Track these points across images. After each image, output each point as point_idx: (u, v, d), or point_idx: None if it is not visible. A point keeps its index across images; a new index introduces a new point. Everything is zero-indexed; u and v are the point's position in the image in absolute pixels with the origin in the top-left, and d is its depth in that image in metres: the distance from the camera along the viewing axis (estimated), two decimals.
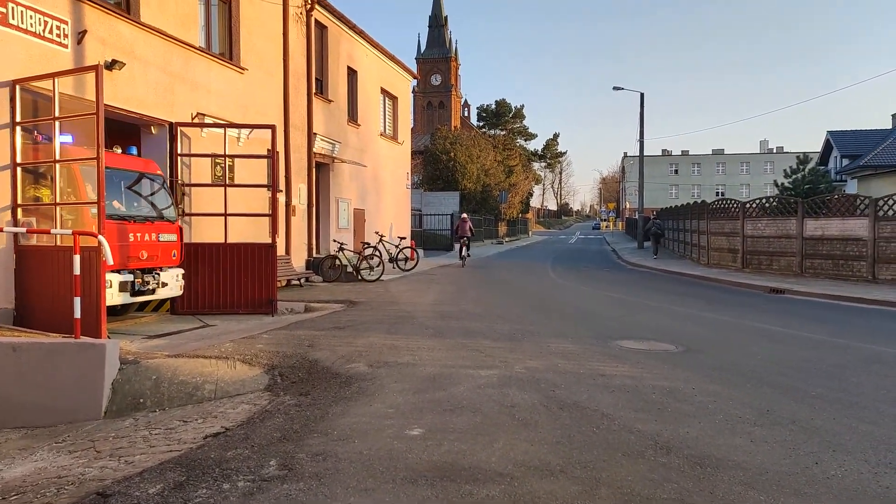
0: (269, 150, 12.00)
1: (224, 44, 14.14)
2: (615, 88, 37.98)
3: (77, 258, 6.65)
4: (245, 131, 13.70)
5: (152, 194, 10.63)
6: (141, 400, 6.23)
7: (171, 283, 10.69)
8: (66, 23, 9.61)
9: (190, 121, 12.23)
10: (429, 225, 38.64)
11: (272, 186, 12.15)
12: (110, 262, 7.08)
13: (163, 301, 11.20)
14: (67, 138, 9.40)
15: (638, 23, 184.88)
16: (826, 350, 8.81)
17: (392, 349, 8.15)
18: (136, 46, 11.02)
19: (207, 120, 12.69)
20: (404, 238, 23.09)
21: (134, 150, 10.66)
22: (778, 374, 7.28)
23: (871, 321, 11.83)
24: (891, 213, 17.70)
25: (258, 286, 11.21)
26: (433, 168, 46.66)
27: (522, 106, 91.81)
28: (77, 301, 6.62)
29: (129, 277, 9.92)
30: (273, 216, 11.56)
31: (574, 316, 11.75)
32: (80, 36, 9.85)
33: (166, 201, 10.70)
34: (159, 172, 10.79)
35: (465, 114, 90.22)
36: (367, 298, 13.51)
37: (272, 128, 11.54)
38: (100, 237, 7.10)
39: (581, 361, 7.65)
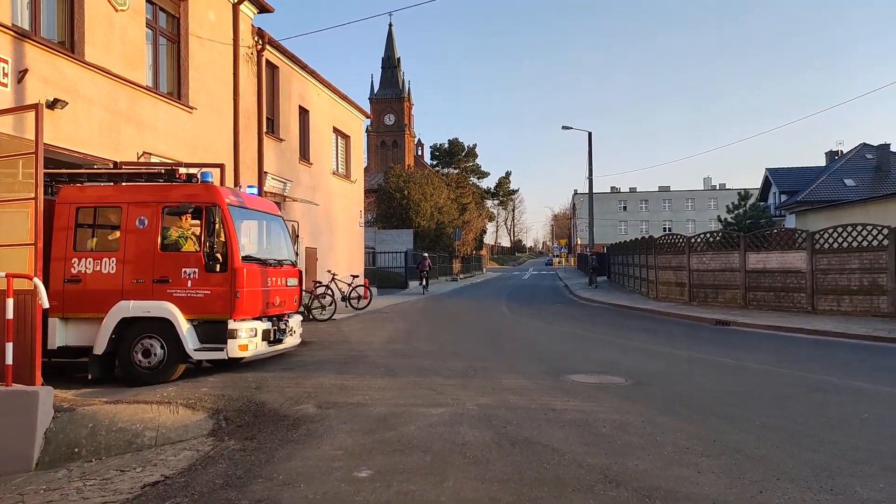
0: None
1: (172, 83, 14.02)
2: (564, 128, 38.90)
3: (10, 301, 6.39)
4: (193, 171, 13.49)
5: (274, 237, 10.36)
6: (76, 449, 5.96)
7: (297, 330, 10.38)
8: (6, 62, 9.40)
9: (136, 160, 12.01)
10: (383, 263, 38.47)
11: None
12: (46, 305, 6.81)
13: None
14: None
15: (587, 62, 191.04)
16: (770, 380, 9.04)
17: (342, 389, 8.02)
18: (80, 86, 10.84)
19: (154, 159, 12.48)
20: (357, 276, 22.92)
21: (255, 190, 9.99)
22: (724, 404, 7.42)
23: (811, 351, 12.21)
24: (826, 246, 18.44)
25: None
26: (387, 206, 46.75)
27: (475, 145, 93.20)
28: (9, 346, 6.33)
29: (269, 325, 9.62)
30: None
31: (526, 351, 11.79)
32: (21, 75, 9.64)
33: (289, 244, 10.35)
34: (280, 214, 10.45)
35: (419, 153, 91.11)
36: (318, 338, 13.30)
37: (221, 167, 11.39)
38: (35, 280, 6.85)
39: (533, 397, 7.65)
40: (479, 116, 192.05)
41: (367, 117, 28.37)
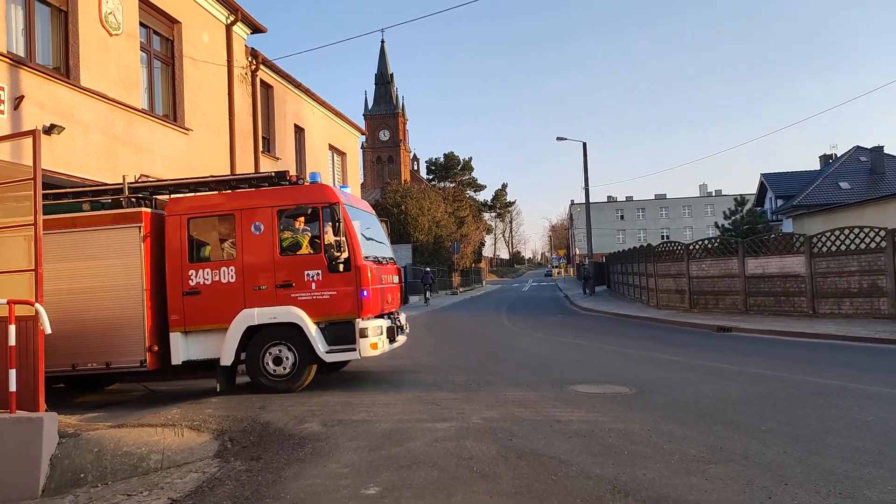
0: None
1: (168, 105, 14.10)
2: (559, 139, 39.12)
3: (12, 328, 6.38)
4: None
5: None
6: (82, 475, 5.92)
7: (406, 327, 10.36)
8: (2, 88, 9.47)
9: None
10: None
11: None
12: (48, 330, 6.79)
13: None
14: None
15: (582, 73, 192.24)
16: (773, 385, 9.03)
17: (347, 406, 8.00)
18: (76, 110, 10.89)
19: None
20: None
21: (348, 189, 9.98)
22: (729, 410, 7.41)
23: (813, 354, 12.21)
24: (825, 249, 18.49)
25: None
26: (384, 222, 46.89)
27: (470, 158, 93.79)
28: (12, 373, 6.31)
29: (389, 322, 9.63)
30: None
31: (529, 363, 11.77)
32: (17, 101, 9.70)
33: (387, 242, 10.39)
34: (373, 211, 10.48)
35: (415, 167, 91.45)
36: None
37: None
38: (37, 305, 6.84)
39: (537, 408, 7.64)
40: (473, 129, 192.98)
41: (363, 133, 28.49)
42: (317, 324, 8.93)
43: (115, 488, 5.64)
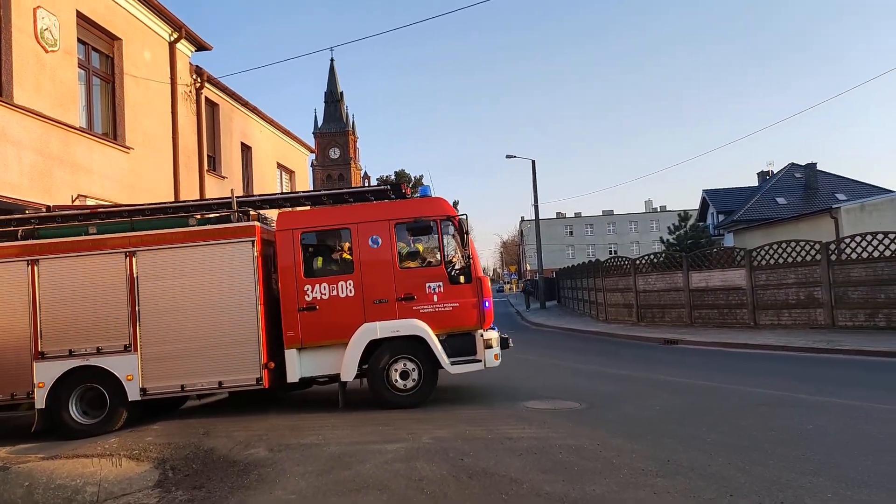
0: None
1: (108, 123, 13.70)
2: (508, 157, 39.60)
3: None
4: None
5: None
6: None
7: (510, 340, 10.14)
8: None
9: (71, 203, 11.61)
10: None
11: None
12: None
13: None
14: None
15: (531, 89, 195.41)
16: (718, 397, 9.23)
17: (294, 430, 7.81)
18: (9, 129, 10.48)
19: (89, 202, 12.11)
20: None
21: (429, 190, 9.70)
22: (676, 423, 7.52)
23: (755, 365, 12.55)
24: (764, 262, 19.11)
25: None
26: None
27: (422, 176, 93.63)
28: None
29: (501, 333, 9.47)
30: None
31: (479, 380, 11.73)
32: None
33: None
34: None
35: (365, 184, 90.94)
36: None
37: None
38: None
39: (489, 426, 7.61)
40: (424, 148, 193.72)
41: (312, 152, 28.22)
42: (438, 336, 8.95)
43: None
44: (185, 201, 9.55)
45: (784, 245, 18.80)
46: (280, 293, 9.00)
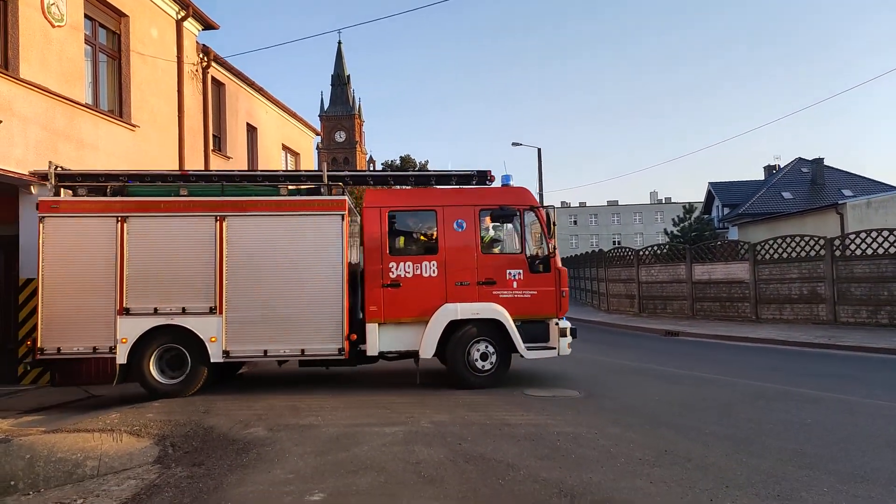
0: None
1: (114, 100, 13.65)
2: (514, 144, 39.45)
3: None
4: None
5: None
6: (12, 483, 5.65)
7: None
8: None
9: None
10: None
11: None
12: None
13: (45, 370, 10.35)
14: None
15: (538, 78, 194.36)
16: (717, 388, 9.24)
17: (294, 410, 7.85)
18: (15, 103, 10.45)
19: None
20: None
21: (510, 180, 9.93)
22: (674, 413, 7.54)
23: (755, 359, 12.56)
24: (767, 256, 19.06)
25: None
26: None
27: (427, 161, 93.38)
28: None
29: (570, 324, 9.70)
30: None
31: None
32: None
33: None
34: None
35: (370, 168, 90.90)
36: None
37: None
38: None
39: (488, 412, 7.64)
40: (430, 132, 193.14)
41: (317, 134, 28.16)
42: (514, 321, 9.24)
43: (47, 496, 5.40)
44: (274, 171, 9.59)
45: (788, 240, 18.74)
46: (365, 268, 9.28)
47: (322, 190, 9.48)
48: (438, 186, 10.03)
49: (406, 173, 10.08)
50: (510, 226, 9.77)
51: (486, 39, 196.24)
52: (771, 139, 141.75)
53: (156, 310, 8.80)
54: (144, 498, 5.00)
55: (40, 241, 8.80)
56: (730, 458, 5.66)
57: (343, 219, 9.09)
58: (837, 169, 42.20)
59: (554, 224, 9.36)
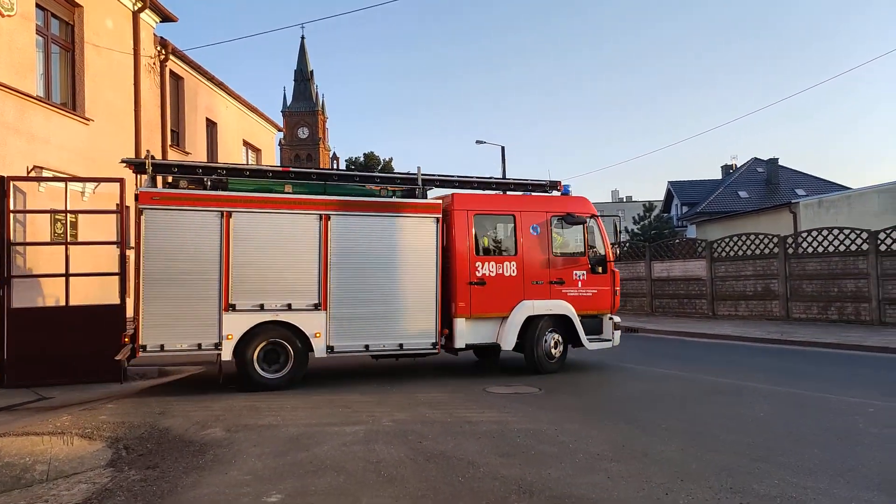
0: (117, 204, 11.25)
1: (67, 93, 13.27)
2: (478, 142, 39.50)
3: None
4: (90, 185, 12.80)
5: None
6: None
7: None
8: None
9: (26, 174, 11.24)
10: None
11: (121, 243, 11.36)
12: None
13: None
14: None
15: (502, 77, 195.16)
16: (674, 383, 9.42)
17: (253, 410, 7.74)
18: None
19: (46, 174, 11.74)
20: None
21: (570, 189, 11.15)
22: (633, 409, 7.66)
23: (712, 355, 12.84)
24: (724, 254, 19.49)
25: (105, 351, 10.29)
26: None
27: (391, 159, 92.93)
28: None
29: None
30: (122, 275, 10.76)
31: (441, 364, 11.78)
32: None
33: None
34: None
35: (334, 166, 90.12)
36: None
37: (121, 181, 10.84)
38: None
39: (449, 409, 7.65)
40: (395, 131, 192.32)
41: (279, 130, 27.84)
42: (578, 316, 10.39)
43: None
44: (370, 173, 9.82)
45: (744, 238, 19.19)
46: (455, 267, 9.85)
47: (416, 192, 10.00)
48: (511, 193, 10.88)
49: (490, 179, 10.92)
50: (573, 230, 10.82)
51: (450, 37, 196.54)
52: (728, 139, 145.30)
53: (262, 306, 8.89)
54: (96, 502, 4.87)
55: (140, 234, 8.47)
56: (685, 452, 5.77)
57: (438, 221, 9.74)
58: (791, 169, 43.37)
59: (620, 231, 10.39)
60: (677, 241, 25.37)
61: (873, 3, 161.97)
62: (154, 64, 16.19)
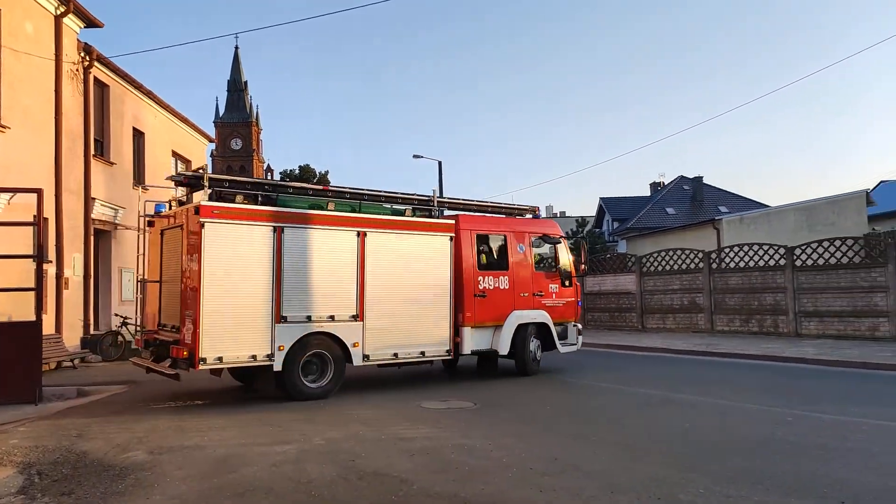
0: (35, 216, 10.70)
1: None
2: (415, 156, 39.56)
3: None
4: (5, 196, 12.14)
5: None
6: None
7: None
8: None
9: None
10: None
11: (37, 257, 10.79)
12: None
13: None
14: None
15: (436, 92, 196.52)
16: (605, 397, 9.61)
17: (178, 431, 7.44)
18: None
19: None
20: None
21: (542, 214, 13.15)
22: (566, 422, 7.77)
23: (642, 367, 13.19)
24: (652, 269, 20.10)
25: (18, 371, 9.73)
26: None
27: (327, 171, 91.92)
28: None
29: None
30: (38, 290, 10.22)
31: (375, 380, 11.66)
32: None
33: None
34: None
35: (268, 178, 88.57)
36: (153, 377, 12.31)
37: (38, 192, 10.32)
38: None
39: (382, 427, 7.56)
40: (331, 144, 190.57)
41: (211, 141, 27.12)
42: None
43: None
44: (393, 192, 10.87)
45: (671, 253, 19.85)
46: (463, 280, 10.87)
47: (433, 213, 10.99)
48: (496, 215, 12.26)
49: (497, 204, 12.52)
50: (547, 248, 12.33)
51: (389, 49, 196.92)
52: (657, 157, 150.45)
53: (308, 318, 9.31)
54: None
55: (202, 248, 8.48)
56: (616, 464, 5.87)
57: (452, 239, 10.85)
58: (715, 187, 45.25)
59: (587, 251, 12.26)
60: (609, 255, 26.01)
61: (797, 27, 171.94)
62: (77, 70, 15.56)
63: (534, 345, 11.70)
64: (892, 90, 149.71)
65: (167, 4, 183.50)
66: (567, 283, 12.26)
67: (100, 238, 17.00)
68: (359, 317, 9.72)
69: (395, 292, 10.12)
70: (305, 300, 9.28)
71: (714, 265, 18.75)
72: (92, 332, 15.75)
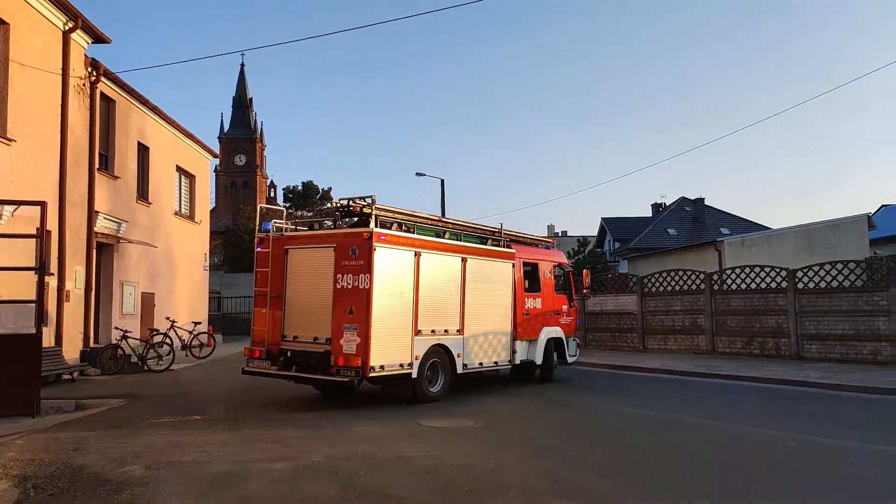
0: (38, 228, 10.72)
1: None
2: (418, 174, 39.64)
3: None
4: (9, 208, 12.18)
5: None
6: None
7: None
8: None
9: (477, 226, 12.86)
10: (230, 308, 36.61)
11: (39, 269, 10.79)
12: None
13: None
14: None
15: (440, 111, 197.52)
16: (607, 417, 9.54)
17: (177, 447, 7.39)
18: None
19: None
20: (200, 323, 21.56)
21: (552, 246, 15.44)
22: (567, 443, 7.71)
23: (643, 388, 13.11)
24: (654, 289, 20.06)
25: (17, 383, 9.68)
26: (235, 248, 44.79)
27: (330, 188, 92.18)
28: None
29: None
30: (39, 303, 10.21)
31: (378, 397, 11.60)
32: None
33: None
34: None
35: (272, 194, 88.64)
36: (152, 391, 12.28)
37: (42, 204, 10.35)
38: None
39: (383, 444, 7.50)
40: (335, 161, 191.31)
41: (215, 157, 27.21)
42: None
43: None
44: (471, 224, 12.73)
45: (673, 273, 19.82)
46: (516, 301, 12.66)
47: (501, 243, 12.86)
48: (530, 246, 14.16)
49: (526, 237, 14.50)
50: (560, 274, 14.60)
51: (395, 67, 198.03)
52: (660, 178, 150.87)
53: (433, 331, 10.70)
54: None
55: (372, 268, 9.59)
56: (617, 487, 5.82)
57: (514, 266, 12.72)
58: (716, 208, 45.29)
59: (571, 277, 14.97)
60: (610, 275, 26.00)
61: (801, 53, 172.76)
62: (84, 85, 15.67)
63: (554, 356, 13.51)
64: (892, 113, 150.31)
65: (175, 22, 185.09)
66: (571, 304, 14.46)
67: (102, 251, 17.01)
68: (461, 331, 11.23)
69: (482, 310, 11.67)
70: (431, 315, 10.66)
71: (716, 286, 18.71)
72: (92, 345, 15.71)
